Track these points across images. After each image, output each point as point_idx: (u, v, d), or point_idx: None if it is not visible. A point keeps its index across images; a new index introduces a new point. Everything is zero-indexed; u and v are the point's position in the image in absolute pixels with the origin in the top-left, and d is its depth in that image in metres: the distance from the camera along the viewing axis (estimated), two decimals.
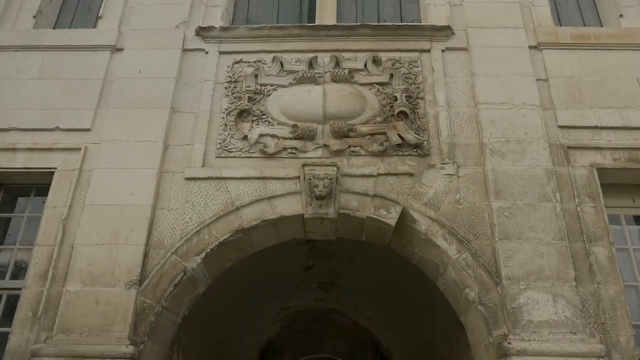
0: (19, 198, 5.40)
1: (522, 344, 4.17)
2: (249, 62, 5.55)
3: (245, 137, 5.15)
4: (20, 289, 4.65)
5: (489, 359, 4.39)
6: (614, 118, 5.10)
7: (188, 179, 4.99)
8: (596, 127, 5.09)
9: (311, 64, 5.45)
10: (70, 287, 4.46)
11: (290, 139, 5.14)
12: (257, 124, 5.22)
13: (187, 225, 4.81)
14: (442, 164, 4.98)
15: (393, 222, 4.80)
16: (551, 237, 4.58)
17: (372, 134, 5.13)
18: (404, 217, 4.81)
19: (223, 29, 5.75)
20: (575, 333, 4.24)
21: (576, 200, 4.76)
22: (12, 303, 4.69)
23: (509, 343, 4.18)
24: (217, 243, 4.74)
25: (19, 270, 4.94)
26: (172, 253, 4.67)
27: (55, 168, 5.04)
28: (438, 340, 7.47)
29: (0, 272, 5.00)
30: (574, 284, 4.39)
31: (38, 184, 5.22)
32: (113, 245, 4.62)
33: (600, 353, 4.13)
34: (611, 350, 4.19)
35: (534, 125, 5.03)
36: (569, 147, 4.98)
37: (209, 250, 4.71)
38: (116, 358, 4.15)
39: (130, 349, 4.18)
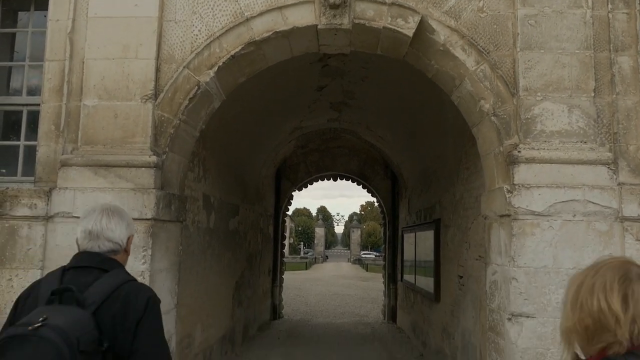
0: (19, 13, 5.19)
1: (532, 152, 4.29)
2: None
3: None
4: (38, 104, 4.72)
5: (498, 168, 4.57)
6: None
7: None
8: None
9: None
10: (87, 101, 4.52)
11: None
12: None
13: (196, 39, 4.66)
14: None
15: (410, 33, 4.59)
16: (576, 47, 4.40)
17: None
18: (422, 27, 4.59)
19: None
20: (585, 142, 4.33)
21: (609, 6, 4.45)
22: (34, 118, 4.81)
23: (519, 151, 4.30)
24: (229, 56, 4.63)
25: (35, 87, 4.97)
26: (184, 67, 4.61)
27: None
28: (447, 155, 7.72)
29: (16, 89, 5.05)
30: (593, 94, 4.35)
31: None
32: (124, 59, 4.55)
33: (607, 160, 4.27)
34: (618, 158, 4.30)
35: None
36: None
37: (221, 64, 4.63)
38: (141, 167, 4.37)
39: (154, 158, 4.39)
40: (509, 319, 4.24)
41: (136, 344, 1.82)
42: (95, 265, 1.96)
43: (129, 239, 2.14)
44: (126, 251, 2.13)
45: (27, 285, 3.77)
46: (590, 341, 1.24)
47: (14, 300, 3.83)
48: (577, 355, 1.26)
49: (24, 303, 1.95)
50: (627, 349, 1.18)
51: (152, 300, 1.96)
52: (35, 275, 4.29)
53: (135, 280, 2.07)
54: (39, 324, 1.63)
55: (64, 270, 1.97)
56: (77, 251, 2.09)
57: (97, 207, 2.15)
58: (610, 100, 4.38)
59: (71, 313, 1.73)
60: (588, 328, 1.24)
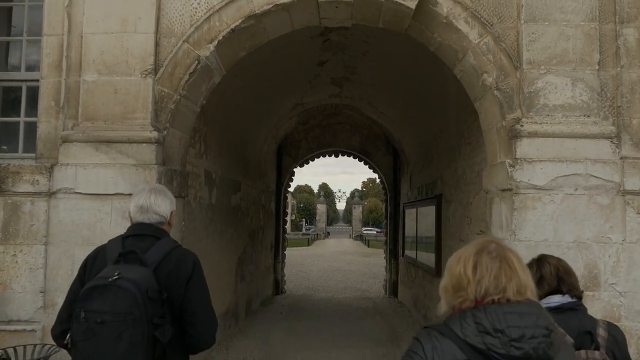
0: None
1: (534, 126, 4.27)
2: None
3: None
4: (37, 80, 4.69)
5: (500, 142, 4.55)
6: None
7: None
8: None
9: None
10: (87, 76, 4.48)
11: None
12: None
13: (195, 12, 4.59)
14: None
15: (413, 5, 4.52)
16: (581, 19, 4.34)
17: None
18: None
19: None
20: (588, 116, 4.30)
21: None
22: (33, 94, 4.78)
23: (521, 125, 4.28)
24: (228, 30, 4.57)
25: (33, 63, 4.93)
26: (183, 41, 4.56)
27: None
28: (449, 131, 7.69)
29: (14, 65, 5.01)
30: (597, 67, 4.30)
31: None
32: (122, 33, 4.50)
33: (610, 134, 4.25)
34: (621, 132, 4.28)
35: None
36: None
37: (221, 37, 4.58)
38: (142, 142, 4.36)
39: (155, 134, 4.38)
40: None
41: (187, 296, 2.31)
42: (150, 234, 2.41)
43: (172, 213, 2.57)
44: (169, 223, 2.56)
45: (32, 260, 3.89)
46: (453, 296, 1.61)
47: (19, 275, 3.92)
48: (449, 307, 1.65)
49: (92, 263, 2.40)
50: (474, 303, 1.55)
51: (197, 263, 2.43)
52: (39, 250, 4.33)
53: (181, 246, 2.52)
54: (116, 277, 2.09)
55: (123, 238, 2.40)
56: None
57: (146, 186, 2.60)
58: (615, 73, 4.33)
59: (138, 270, 2.18)
60: (453, 287, 1.62)
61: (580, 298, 2.32)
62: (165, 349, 2.19)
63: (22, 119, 4.84)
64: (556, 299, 2.26)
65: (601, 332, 2.20)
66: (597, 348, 2.12)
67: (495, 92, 4.46)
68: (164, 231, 2.48)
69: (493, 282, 1.56)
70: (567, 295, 2.29)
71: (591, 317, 2.29)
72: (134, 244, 2.33)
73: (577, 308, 2.28)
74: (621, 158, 4.23)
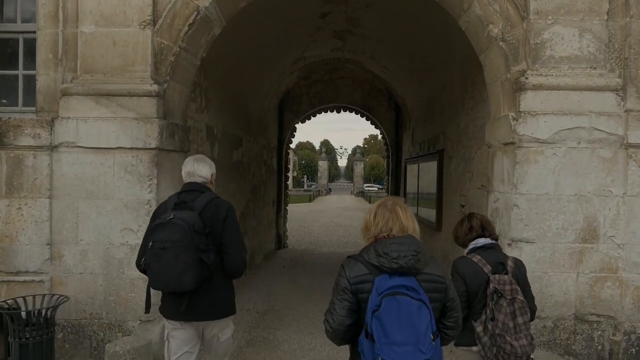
0: None
1: (539, 78, 4.21)
2: None
3: None
4: (34, 32, 4.60)
5: (504, 95, 4.50)
6: None
7: None
8: None
9: None
10: (84, 28, 4.40)
11: None
12: None
13: None
14: None
15: None
16: None
17: None
18: None
19: None
20: (595, 68, 4.23)
21: None
22: (31, 47, 4.70)
23: (526, 78, 4.22)
24: None
25: (30, 14, 4.82)
26: None
27: None
28: (453, 85, 7.59)
29: (10, 18, 4.90)
30: (605, 17, 4.20)
31: None
32: None
33: (616, 87, 4.19)
34: (627, 84, 4.22)
35: None
36: None
37: None
38: (142, 96, 4.33)
39: (155, 87, 4.33)
40: (509, 244, 4.34)
41: (223, 232, 3.14)
42: (196, 189, 3.25)
43: (212, 175, 3.40)
44: (211, 182, 3.39)
45: (37, 213, 3.99)
46: (364, 235, 2.42)
47: (25, 228, 3.99)
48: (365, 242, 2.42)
49: (158, 211, 3.27)
50: (374, 239, 2.34)
51: (230, 209, 3.26)
52: (44, 204, 4.37)
53: (219, 197, 3.29)
54: (171, 217, 2.99)
55: (178, 193, 3.27)
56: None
57: (191, 157, 3.44)
58: (624, 23, 4.24)
59: (187, 213, 3.05)
60: (363, 229, 2.44)
61: (496, 240, 3.21)
62: (211, 271, 3.09)
63: (21, 72, 4.78)
64: (481, 241, 3.15)
65: (510, 263, 3.06)
66: (506, 273, 3.00)
67: (500, 43, 4.38)
68: (206, 187, 3.31)
69: (384, 225, 2.36)
70: (488, 238, 3.16)
71: (504, 254, 3.16)
72: (185, 196, 3.19)
73: (494, 247, 3.15)
74: (626, 111, 4.19)
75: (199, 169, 3.32)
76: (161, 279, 2.97)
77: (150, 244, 2.98)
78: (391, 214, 2.38)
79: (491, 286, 2.91)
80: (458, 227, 3.27)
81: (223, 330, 3.30)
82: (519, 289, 2.94)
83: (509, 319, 2.86)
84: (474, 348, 3.00)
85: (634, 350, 4.30)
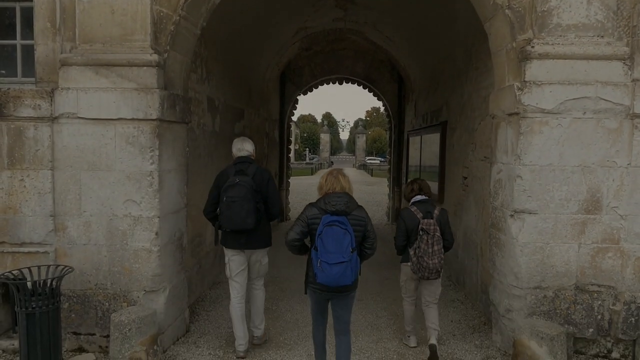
0: None
1: (545, 47, 4.14)
2: None
3: None
4: (31, 0, 4.52)
5: (509, 65, 4.43)
6: None
7: None
8: None
9: None
10: None
11: None
12: None
13: None
14: None
15: None
16: None
17: None
18: None
19: None
20: (602, 36, 4.15)
21: None
22: (28, 16, 4.63)
23: (532, 47, 4.15)
24: None
25: None
26: None
27: None
28: (456, 55, 7.48)
29: None
30: None
31: None
32: None
33: (623, 55, 4.12)
34: (635, 53, 4.14)
35: None
36: None
37: None
38: (142, 66, 4.27)
39: (155, 57, 4.27)
40: (511, 216, 4.34)
41: (268, 192, 4.53)
42: (246, 161, 4.59)
43: (254, 150, 4.73)
44: (253, 155, 4.70)
45: (39, 185, 3.97)
46: (319, 192, 3.82)
47: (28, 199, 3.96)
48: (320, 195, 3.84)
49: (221, 177, 4.55)
50: (324, 194, 3.77)
51: (271, 174, 4.67)
52: (46, 175, 4.37)
53: (262, 166, 4.92)
54: (237, 181, 4.34)
55: (234, 164, 4.55)
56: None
57: (238, 138, 4.79)
58: None
59: (246, 178, 4.40)
60: (318, 188, 3.85)
61: (429, 197, 4.77)
62: (262, 216, 4.52)
63: (19, 41, 4.72)
64: (418, 197, 4.74)
65: (436, 212, 4.59)
66: (431, 218, 4.52)
67: (506, 11, 4.29)
68: (252, 159, 4.67)
69: (330, 186, 3.78)
70: (423, 195, 4.75)
71: (433, 205, 4.67)
72: (240, 166, 4.53)
73: (427, 201, 4.71)
74: (633, 80, 4.13)
75: (246, 145, 4.67)
76: (231, 221, 4.36)
77: (224, 198, 4.36)
78: (335, 179, 3.83)
79: (420, 226, 4.49)
80: (406, 189, 4.96)
81: (264, 257, 4.77)
82: (438, 228, 4.49)
83: (429, 246, 4.45)
84: (409, 264, 4.64)
85: (633, 319, 4.34)
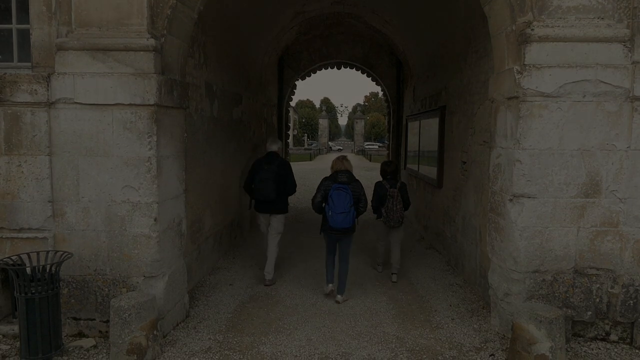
0: None
1: (545, 30, 4.11)
2: None
3: None
4: None
5: (509, 48, 4.40)
6: None
7: None
8: None
9: None
10: None
11: None
12: None
13: None
14: None
15: None
16: None
17: None
18: None
19: None
20: (602, 18, 4.12)
21: None
22: (23, 0, 4.56)
23: (532, 29, 4.11)
24: None
25: None
26: None
27: None
28: (456, 39, 7.42)
29: None
30: None
31: None
32: None
33: (623, 37, 4.09)
34: (635, 35, 4.12)
35: None
36: None
37: None
38: (139, 50, 4.23)
39: (152, 41, 4.23)
40: (511, 200, 4.34)
41: (287, 176, 6.55)
42: (274, 155, 6.59)
43: (279, 148, 6.75)
44: (278, 150, 6.72)
45: (37, 170, 3.95)
46: (331, 169, 6.06)
47: (26, 185, 3.95)
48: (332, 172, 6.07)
49: (258, 162, 6.61)
50: (333, 171, 5.99)
51: (289, 162, 7.19)
52: (44, 161, 4.35)
53: (284, 159, 7.34)
54: (267, 167, 6.45)
55: (266, 155, 6.61)
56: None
57: (271, 137, 7.32)
58: None
59: (272, 166, 6.46)
60: (331, 167, 6.04)
61: (395, 174, 6.94)
62: (281, 192, 6.45)
63: (14, 25, 4.67)
64: (389, 175, 6.83)
65: (398, 184, 6.70)
66: (395, 188, 6.65)
67: None
68: (277, 154, 6.62)
69: (338, 166, 5.89)
70: (393, 173, 6.90)
71: (396, 180, 6.85)
72: (269, 158, 6.50)
73: (395, 178, 6.88)
74: (633, 63, 4.11)
75: (274, 144, 6.66)
76: (263, 194, 6.31)
77: (257, 179, 6.34)
78: (341, 162, 5.92)
79: (388, 193, 6.61)
80: (382, 167, 6.97)
81: (281, 220, 6.61)
82: (400, 194, 6.62)
83: (394, 204, 6.59)
84: (382, 219, 6.74)
85: (631, 302, 4.37)
